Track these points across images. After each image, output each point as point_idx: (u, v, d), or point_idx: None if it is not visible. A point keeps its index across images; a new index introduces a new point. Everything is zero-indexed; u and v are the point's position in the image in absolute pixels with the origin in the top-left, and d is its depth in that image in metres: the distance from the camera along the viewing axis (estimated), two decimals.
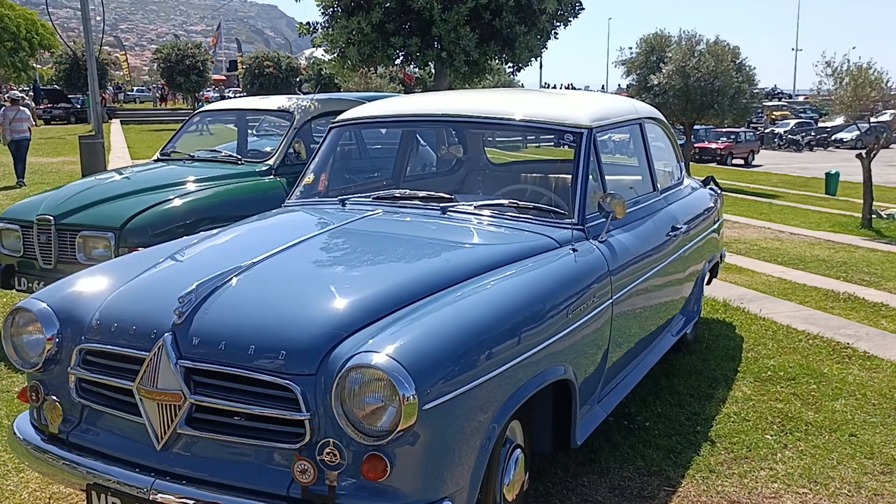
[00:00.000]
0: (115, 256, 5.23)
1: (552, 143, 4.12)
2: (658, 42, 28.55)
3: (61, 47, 51.83)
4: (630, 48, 30.73)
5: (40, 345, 2.91)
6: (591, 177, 3.73)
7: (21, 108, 16.09)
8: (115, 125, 37.16)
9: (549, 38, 13.22)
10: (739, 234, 11.75)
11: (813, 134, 44.08)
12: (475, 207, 3.66)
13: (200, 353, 2.56)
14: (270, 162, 6.44)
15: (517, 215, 3.61)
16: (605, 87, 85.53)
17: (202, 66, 45.84)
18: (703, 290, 5.45)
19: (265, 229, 3.69)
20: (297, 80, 48.56)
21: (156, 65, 45.77)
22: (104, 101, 36.16)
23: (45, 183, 14.73)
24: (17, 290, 5.74)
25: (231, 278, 2.79)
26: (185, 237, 3.73)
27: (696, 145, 34.67)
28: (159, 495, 2.53)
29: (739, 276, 8.07)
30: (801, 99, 66.87)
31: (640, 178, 4.50)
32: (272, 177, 6.37)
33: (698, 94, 23.29)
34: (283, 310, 2.65)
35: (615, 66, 32.20)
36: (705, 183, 5.87)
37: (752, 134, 39.03)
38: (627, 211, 3.71)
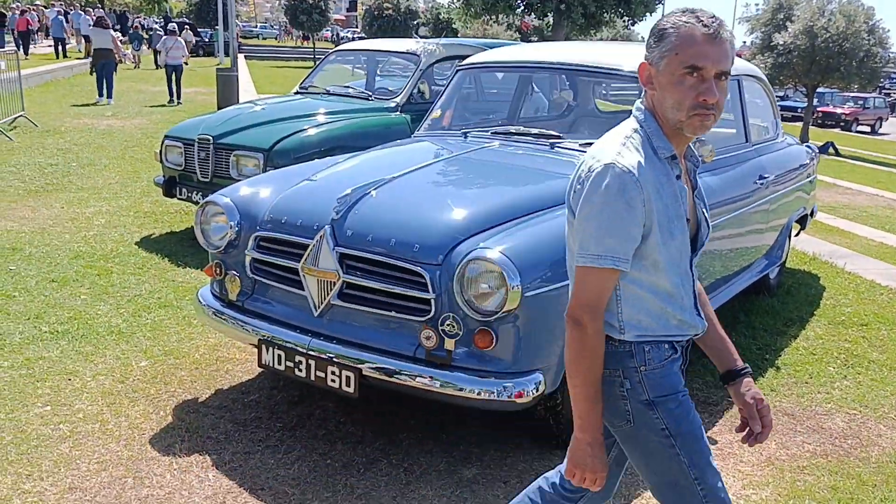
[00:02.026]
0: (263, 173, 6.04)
1: None
2: (787, 0, 27.58)
3: None
4: (756, 4, 29.70)
5: (223, 231, 3.69)
6: None
7: (177, 38, 18.55)
8: (240, 60, 38.72)
9: None
10: (850, 200, 11.77)
11: None
12: (580, 145, 4.20)
13: (353, 241, 3.25)
14: (398, 99, 7.10)
15: None
16: None
17: (324, 5, 46.93)
18: (790, 239, 5.83)
19: (401, 153, 4.35)
20: (415, 23, 49.13)
21: (281, 1, 46.97)
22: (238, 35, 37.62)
23: (182, 111, 15.97)
24: (178, 199, 6.66)
25: (377, 187, 3.46)
26: (331, 157, 4.43)
27: (818, 109, 33.52)
28: (315, 351, 3.28)
29: (838, 238, 8.29)
30: None
31: (733, 130, 4.91)
32: (398, 113, 7.03)
33: (824, 55, 22.55)
34: (417, 213, 3.31)
35: (739, 23, 31.18)
36: (824, 148, 6.19)
37: (881, 100, 37.31)
38: (716, 157, 4.17)
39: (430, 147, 4.46)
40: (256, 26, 71.69)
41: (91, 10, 40.40)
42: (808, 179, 5.90)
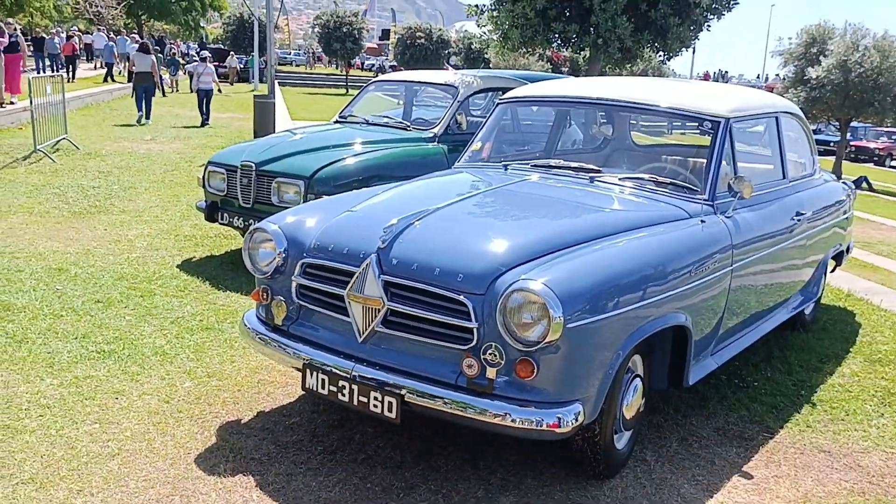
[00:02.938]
0: (303, 201, 6.17)
1: (693, 130, 4.65)
2: (820, 34, 27.56)
3: (230, 8, 54.91)
4: (790, 38, 29.71)
5: (271, 257, 3.79)
6: (724, 161, 4.27)
7: (207, 65, 19.69)
8: (276, 86, 39.39)
9: (702, 30, 13.47)
10: (885, 236, 11.68)
11: None
12: (619, 179, 4.29)
13: (398, 270, 3.33)
14: (435, 130, 7.23)
15: (655, 188, 4.20)
16: (760, 76, 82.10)
17: (357, 34, 47.63)
18: (826, 275, 5.84)
19: (443, 184, 4.45)
20: (446, 52, 49.68)
21: (315, 29, 47.74)
22: (265, 62, 38.27)
23: (219, 136, 16.32)
24: (220, 224, 6.81)
25: (421, 218, 3.55)
26: (371, 188, 4.53)
27: (852, 143, 33.28)
28: (358, 376, 3.35)
29: (873, 274, 8.24)
30: None
31: (771, 166, 4.97)
32: (435, 143, 7.16)
33: (858, 90, 22.49)
34: (461, 244, 3.39)
35: (772, 56, 31.20)
36: (857, 183, 6.21)
37: None
38: (754, 193, 4.23)
39: (472, 179, 4.55)
40: (290, 53, 72.84)
41: (134, 34, 41.34)
42: (845, 216, 5.92)
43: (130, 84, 23.68)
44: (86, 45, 36.49)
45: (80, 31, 38.32)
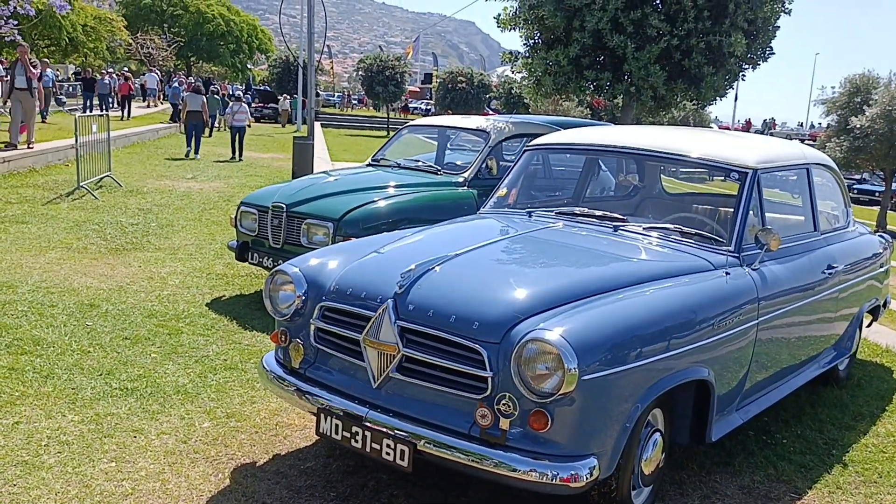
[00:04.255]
0: (332, 243, 6.21)
1: (721, 180, 4.60)
2: (864, 83, 27.30)
3: (276, 51, 56.17)
4: (833, 87, 29.45)
5: (290, 299, 3.80)
6: (751, 212, 4.20)
7: (242, 104, 21.14)
8: (316, 127, 40.01)
9: (736, 80, 13.45)
10: None
11: None
12: (644, 228, 4.24)
13: (414, 316, 3.32)
14: (466, 175, 7.26)
15: (680, 239, 4.15)
16: (803, 124, 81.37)
17: (400, 77, 48.32)
18: (861, 330, 5.68)
19: (467, 229, 4.45)
20: (487, 96, 50.11)
21: (359, 72, 48.54)
22: (305, 103, 38.97)
23: (259, 175, 16.59)
24: (249, 263, 6.88)
25: (440, 264, 3.54)
26: (397, 231, 4.55)
27: None
28: (371, 423, 3.32)
29: None
30: None
31: (801, 217, 4.88)
32: (465, 188, 7.18)
33: None
34: (478, 291, 3.37)
35: (815, 105, 30.91)
36: None
37: None
38: (783, 245, 4.15)
39: (495, 225, 4.55)
40: (334, 95, 74.16)
41: (184, 76, 42.50)
42: (882, 269, 5.77)
43: (175, 123, 25.64)
44: (140, 86, 37.78)
45: (130, 71, 39.51)
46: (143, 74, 41.03)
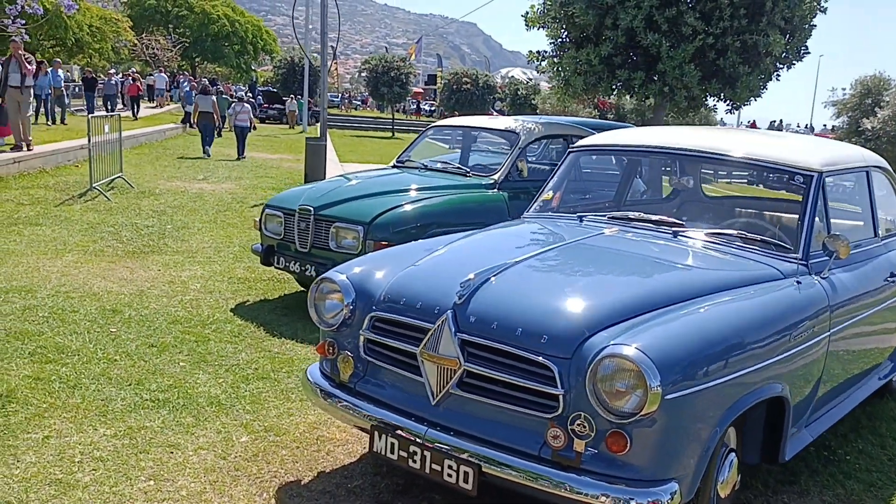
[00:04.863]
0: (361, 247, 6.02)
1: (781, 183, 4.40)
2: (875, 85, 27.13)
3: (281, 52, 56.00)
4: (843, 89, 29.26)
5: (338, 308, 3.60)
6: (817, 217, 4.00)
7: (244, 104, 21.59)
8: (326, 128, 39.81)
9: (770, 79, 13.19)
10: None
11: None
12: (705, 234, 4.04)
13: (476, 329, 3.12)
14: (496, 177, 7.05)
15: (744, 245, 3.94)
16: (807, 126, 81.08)
17: (405, 78, 48.09)
18: None
19: (517, 235, 4.25)
20: (492, 97, 49.86)
21: (363, 73, 48.32)
22: (310, 105, 38.82)
23: (270, 177, 16.39)
24: (275, 268, 6.68)
25: (498, 272, 3.33)
26: (443, 236, 4.34)
27: None
28: (431, 442, 3.12)
29: None
30: None
31: (862, 223, 4.68)
32: (495, 190, 6.98)
33: None
34: (545, 302, 3.16)
35: (825, 107, 30.79)
36: None
37: None
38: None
39: (546, 231, 4.34)
40: (338, 97, 73.93)
41: (191, 76, 42.28)
42: None
43: (183, 124, 26.16)
44: (148, 86, 37.67)
45: (137, 72, 39.36)
46: (151, 75, 40.86)
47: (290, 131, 35.65)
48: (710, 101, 13.76)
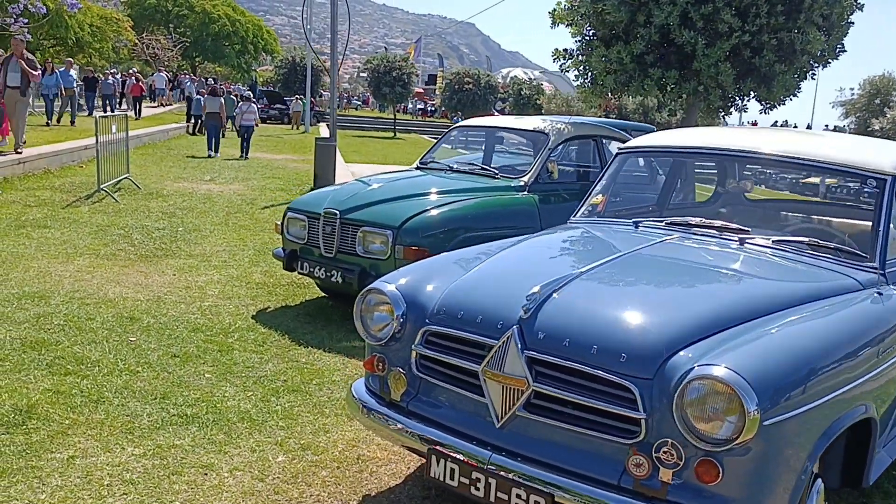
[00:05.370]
0: (390, 252, 5.77)
1: (850, 187, 4.16)
2: (884, 85, 26.93)
3: (282, 52, 55.72)
4: (851, 89, 29.06)
5: (387, 321, 3.35)
6: (891, 224, 3.76)
7: (251, 104, 21.65)
8: (324, 129, 39.60)
9: (805, 78, 12.90)
10: None
11: None
12: (773, 242, 3.79)
13: (545, 346, 2.87)
14: (525, 179, 6.80)
15: (815, 254, 3.70)
16: (808, 127, 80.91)
17: (407, 78, 47.80)
18: None
19: (574, 243, 4.00)
20: (493, 98, 49.62)
21: (364, 73, 48.06)
22: (312, 105, 38.59)
23: (277, 177, 16.13)
24: (299, 273, 6.42)
25: (563, 285, 3.08)
26: (498, 241, 4.09)
27: None
28: (496, 468, 2.87)
29: None
30: None
31: None
32: (525, 193, 6.72)
33: None
34: (622, 317, 2.92)
35: (833, 107, 30.58)
36: None
37: None
38: None
39: (604, 238, 4.08)
40: (337, 97, 73.63)
41: (193, 76, 42.04)
42: None
43: (187, 124, 26.21)
44: (149, 86, 37.37)
45: (138, 71, 39.08)
46: (152, 74, 40.58)
47: (293, 131, 35.41)
48: (744, 101, 13.43)
